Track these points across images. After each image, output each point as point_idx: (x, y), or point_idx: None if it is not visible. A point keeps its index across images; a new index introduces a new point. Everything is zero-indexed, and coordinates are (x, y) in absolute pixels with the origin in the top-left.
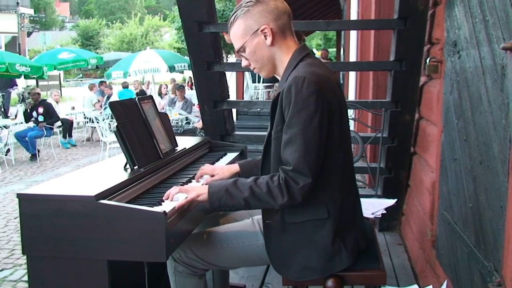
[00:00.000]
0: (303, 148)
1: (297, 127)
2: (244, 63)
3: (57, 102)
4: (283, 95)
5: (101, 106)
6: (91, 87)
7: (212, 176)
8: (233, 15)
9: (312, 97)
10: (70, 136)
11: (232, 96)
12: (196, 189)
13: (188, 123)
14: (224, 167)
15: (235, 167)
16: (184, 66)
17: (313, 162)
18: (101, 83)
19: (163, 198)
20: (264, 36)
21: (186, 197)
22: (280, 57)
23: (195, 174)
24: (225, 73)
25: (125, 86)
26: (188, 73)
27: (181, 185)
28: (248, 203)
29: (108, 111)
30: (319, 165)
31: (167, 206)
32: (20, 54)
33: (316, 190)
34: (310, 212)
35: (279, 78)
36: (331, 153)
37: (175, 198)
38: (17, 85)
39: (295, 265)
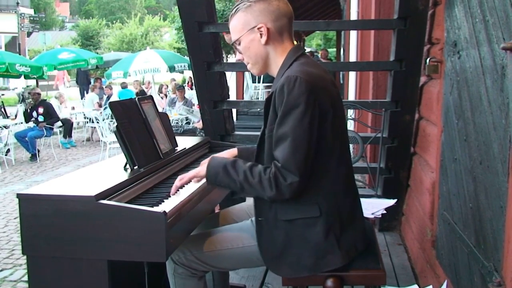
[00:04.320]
0: (292, 146)
1: (287, 126)
2: (238, 56)
3: (63, 105)
4: (276, 94)
5: (100, 106)
6: (92, 88)
7: None
8: (235, 6)
9: (303, 96)
10: (70, 136)
11: (232, 96)
12: (197, 168)
13: (188, 123)
14: (223, 152)
15: (234, 151)
16: (184, 66)
17: (301, 161)
18: (96, 80)
19: (171, 194)
20: (260, 34)
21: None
22: (274, 57)
23: None
24: (225, 73)
25: (124, 86)
26: (188, 73)
27: (182, 186)
28: (242, 186)
29: (108, 111)
30: (308, 164)
31: (167, 206)
32: (20, 54)
33: (308, 188)
34: (302, 210)
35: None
36: (324, 152)
37: (178, 194)
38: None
39: (286, 262)
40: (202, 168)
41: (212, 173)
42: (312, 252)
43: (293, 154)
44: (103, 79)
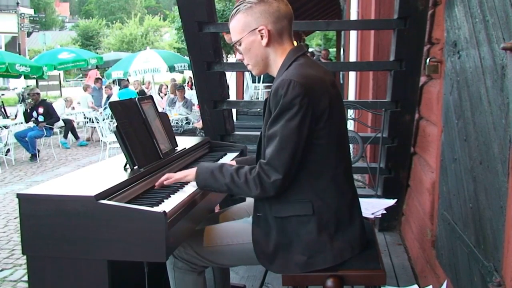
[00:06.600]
0: (278, 145)
1: (277, 126)
2: (238, 56)
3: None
4: (271, 97)
5: (93, 104)
6: (85, 88)
7: None
8: (236, 7)
9: (296, 100)
10: (78, 138)
11: (232, 96)
12: (185, 172)
13: (188, 123)
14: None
15: (232, 163)
16: (184, 66)
17: (286, 160)
18: (97, 80)
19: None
20: (261, 36)
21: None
22: (274, 58)
23: None
24: (225, 73)
25: (125, 85)
26: (188, 73)
27: (181, 185)
28: (229, 188)
29: (108, 111)
30: (294, 163)
31: (167, 206)
32: (20, 54)
33: (302, 187)
34: (295, 208)
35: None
36: (319, 152)
37: (178, 194)
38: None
39: (278, 258)
40: (189, 172)
41: (201, 179)
42: (304, 250)
43: (278, 153)
44: (103, 79)
